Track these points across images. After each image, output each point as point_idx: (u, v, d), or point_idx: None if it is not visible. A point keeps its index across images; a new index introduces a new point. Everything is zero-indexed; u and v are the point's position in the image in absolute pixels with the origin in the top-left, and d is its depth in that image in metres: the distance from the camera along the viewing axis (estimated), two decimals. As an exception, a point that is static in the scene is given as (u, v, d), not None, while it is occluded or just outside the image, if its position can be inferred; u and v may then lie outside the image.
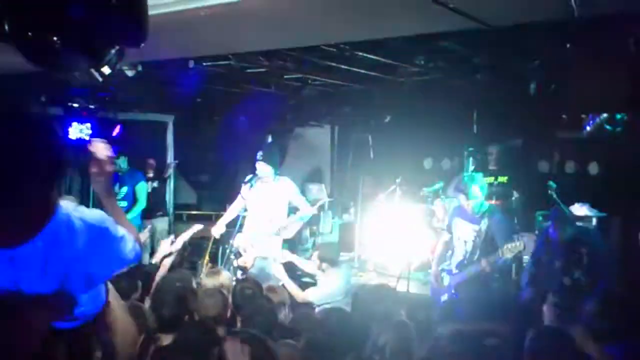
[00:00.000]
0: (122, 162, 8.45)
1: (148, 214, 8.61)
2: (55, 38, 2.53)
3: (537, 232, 7.15)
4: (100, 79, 2.84)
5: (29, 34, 2.54)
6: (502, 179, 7.66)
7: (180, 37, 4.89)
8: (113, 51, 2.70)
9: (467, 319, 3.97)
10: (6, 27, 2.50)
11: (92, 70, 2.72)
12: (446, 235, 5.74)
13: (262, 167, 6.32)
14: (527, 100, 7.26)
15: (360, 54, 5.62)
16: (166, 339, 3.68)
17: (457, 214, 5.60)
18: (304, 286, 5.90)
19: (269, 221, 6.28)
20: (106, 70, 2.75)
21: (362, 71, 6.27)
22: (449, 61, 5.97)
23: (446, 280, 5.50)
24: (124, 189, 8.37)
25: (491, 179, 7.73)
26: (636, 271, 6.22)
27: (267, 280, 5.55)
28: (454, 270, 5.48)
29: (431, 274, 5.71)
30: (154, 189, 8.93)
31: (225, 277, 4.85)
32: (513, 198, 7.34)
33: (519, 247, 5.08)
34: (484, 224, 5.36)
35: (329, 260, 5.88)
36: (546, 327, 4.29)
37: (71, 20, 2.48)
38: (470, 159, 8.02)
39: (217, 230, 6.48)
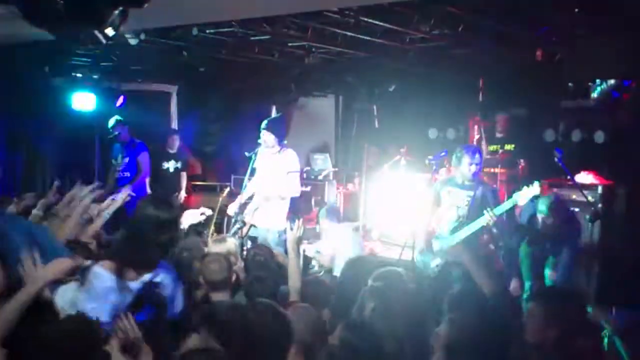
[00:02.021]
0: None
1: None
2: (59, 0, 2.52)
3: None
4: (105, 41, 2.82)
5: (33, -4, 2.53)
6: (509, 147, 7.64)
7: (182, 3, 4.86)
8: (116, 12, 2.69)
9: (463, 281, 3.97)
10: (9, -11, 2.49)
11: (96, 32, 2.70)
12: (433, 205, 5.78)
13: (266, 137, 6.34)
14: (533, 68, 7.21)
15: (365, 19, 5.55)
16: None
17: (449, 183, 5.70)
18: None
19: (271, 191, 6.30)
20: (110, 32, 2.74)
21: (367, 38, 6.20)
22: (455, 28, 5.89)
23: (436, 245, 5.55)
24: (126, 160, 8.31)
25: (497, 147, 7.71)
26: (641, 238, 6.24)
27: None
28: (447, 235, 5.52)
29: (419, 242, 5.72)
30: (176, 169, 8.85)
31: (231, 244, 4.91)
32: (519, 167, 7.32)
33: (535, 190, 5.11)
34: (479, 190, 5.46)
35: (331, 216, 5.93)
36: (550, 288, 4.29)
37: (74, -20, 2.47)
38: (476, 127, 7.97)
39: (232, 209, 6.51)
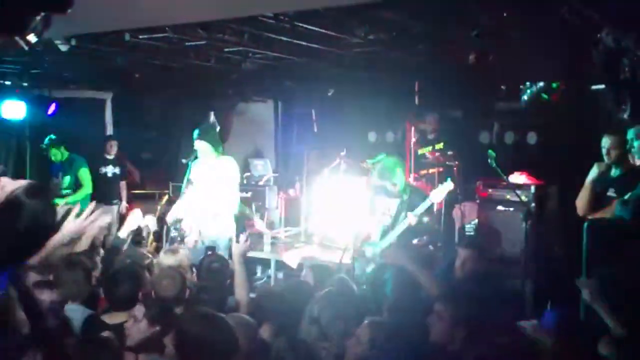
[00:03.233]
0: (60, 152, 8.18)
1: (107, 201, 8.35)
2: (-25, 4, 2.41)
3: (477, 200, 7.29)
4: (27, 48, 2.72)
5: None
6: (439, 145, 7.80)
7: (114, 8, 4.74)
8: (38, 18, 2.60)
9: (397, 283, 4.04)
10: None
11: (17, 38, 2.60)
12: (367, 215, 6.02)
13: (200, 146, 6.24)
14: (466, 71, 7.37)
15: (300, 25, 5.55)
16: (118, 317, 3.64)
17: (379, 192, 5.95)
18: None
19: (212, 201, 6.20)
20: (32, 38, 2.64)
21: (303, 43, 6.20)
22: (389, 32, 5.96)
23: (369, 252, 5.70)
24: (67, 179, 8.13)
25: (429, 148, 7.86)
26: (572, 237, 6.44)
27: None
28: (378, 241, 5.71)
29: (350, 252, 5.90)
30: (114, 174, 8.66)
31: (183, 255, 4.79)
32: (454, 167, 7.46)
33: (449, 187, 5.38)
34: (406, 195, 5.74)
35: None
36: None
37: (-9, -16, 2.37)
38: (413, 130, 8.08)
39: (170, 217, 6.41)
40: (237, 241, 4.16)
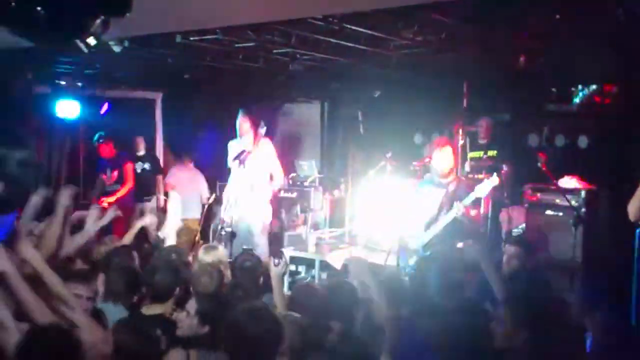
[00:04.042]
0: (108, 149, 8.44)
1: (138, 197, 8.58)
2: (39, 8, 2.51)
3: (525, 204, 7.19)
4: (86, 50, 2.82)
5: (12, 4, 2.51)
6: (492, 152, 7.70)
7: (166, 11, 4.85)
8: (98, 21, 2.68)
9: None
10: (-12, -1, 2.48)
11: (78, 41, 2.69)
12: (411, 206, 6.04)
13: (242, 122, 6.47)
14: (516, 74, 7.27)
15: (348, 26, 5.58)
16: (156, 309, 3.73)
17: (426, 183, 6.05)
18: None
19: (250, 186, 6.36)
20: (91, 41, 2.74)
21: (350, 44, 6.22)
22: (438, 34, 5.93)
23: (413, 244, 5.65)
24: (114, 175, 8.38)
25: (480, 153, 7.76)
26: (623, 243, 6.29)
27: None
28: (422, 232, 5.64)
29: (394, 243, 5.86)
30: (144, 170, 8.87)
31: (221, 253, 4.92)
32: (502, 172, 7.36)
33: (494, 181, 5.34)
34: (452, 186, 5.77)
35: None
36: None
37: (55, -11, 2.46)
38: (461, 132, 8.01)
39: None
40: (276, 264, 4.21)
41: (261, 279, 4.38)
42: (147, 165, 8.90)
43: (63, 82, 8.67)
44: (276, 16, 5.25)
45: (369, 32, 5.79)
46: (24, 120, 8.39)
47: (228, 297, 3.91)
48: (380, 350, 3.08)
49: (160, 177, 9.05)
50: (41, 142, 8.94)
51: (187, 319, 3.36)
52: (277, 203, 7.34)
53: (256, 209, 6.41)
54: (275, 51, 6.83)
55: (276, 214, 8.18)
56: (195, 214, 8.13)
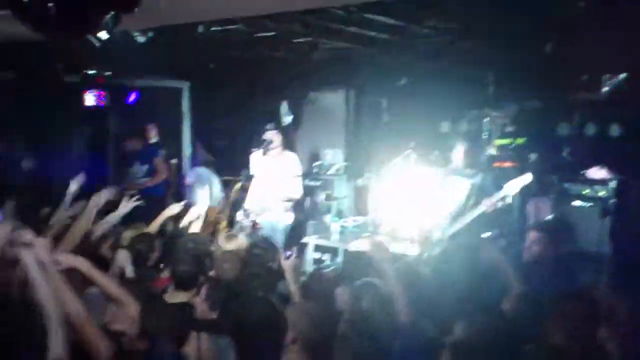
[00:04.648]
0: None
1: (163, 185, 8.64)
2: (50, 4, 2.54)
3: (553, 195, 7.07)
4: (98, 44, 2.85)
5: (25, 0, 2.55)
6: (520, 140, 7.59)
7: (188, 2, 4.88)
8: (108, 16, 2.71)
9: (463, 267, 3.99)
10: (3, -6, 2.52)
11: (89, 36, 2.73)
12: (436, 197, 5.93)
13: (272, 137, 6.53)
14: (545, 61, 7.13)
15: (368, 16, 5.54)
16: (180, 297, 3.81)
17: (451, 172, 5.86)
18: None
19: (274, 192, 6.43)
20: (103, 35, 2.77)
21: (371, 33, 6.18)
22: (461, 22, 5.85)
23: (436, 235, 5.59)
24: (144, 166, 8.41)
25: (508, 140, 7.66)
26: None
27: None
28: (446, 224, 5.57)
29: (418, 233, 5.82)
30: None
31: (242, 241, 4.98)
32: (530, 160, 7.27)
33: (526, 179, 5.22)
34: (479, 178, 5.61)
35: None
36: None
37: (64, -15, 2.49)
38: (488, 120, 7.91)
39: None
40: (287, 257, 4.23)
41: (274, 264, 4.40)
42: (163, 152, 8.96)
43: (92, 72, 8.78)
44: (296, 6, 5.24)
45: (389, 20, 5.73)
46: (54, 110, 8.53)
47: (238, 284, 3.96)
48: (393, 338, 3.09)
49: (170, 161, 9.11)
50: (70, 130, 9.07)
51: (200, 304, 3.42)
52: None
53: (279, 211, 6.50)
54: (296, 40, 6.83)
55: (300, 201, 8.21)
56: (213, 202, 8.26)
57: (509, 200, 5.28)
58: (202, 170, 9.30)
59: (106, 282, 3.39)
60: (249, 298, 2.97)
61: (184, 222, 5.53)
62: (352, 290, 3.44)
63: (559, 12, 5.72)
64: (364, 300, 3.23)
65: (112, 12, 2.66)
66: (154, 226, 5.30)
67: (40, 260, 2.76)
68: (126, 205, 5.26)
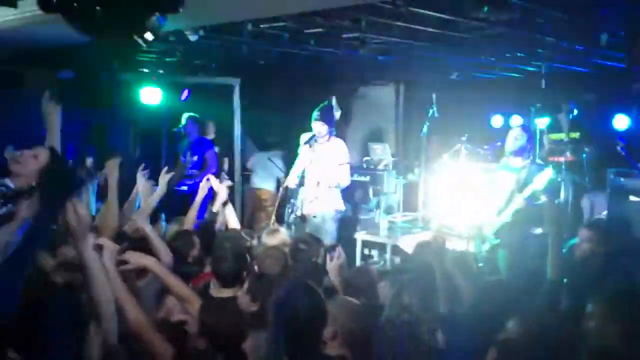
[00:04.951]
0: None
1: None
2: (97, 7, 2.64)
3: (608, 190, 6.89)
4: (145, 45, 2.93)
5: (74, 4, 2.66)
6: (574, 134, 7.44)
7: (234, 0, 4.96)
8: (154, 18, 2.79)
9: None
10: (54, -1, 2.63)
11: (136, 37, 2.82)
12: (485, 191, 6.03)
13: (319, 127, 6.57)
14: (600, 53, 6.94)
15: (415, 10, 5.50)
16: (225, 292, 3.87)
17: (502, 167, 5.88)
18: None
19: (321, 181, 6.46)
20: (149, 36, 2.85)
21: (420, 27, 6.14)
22: (512, 14, 5.73)
23: (487, 230, 5.57)
24: (194, 158, 8.59)
25: (562, 135, 7.51)
26: None
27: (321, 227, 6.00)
28: (494, 218, 5.58)
29: (470, 229, 5.81)
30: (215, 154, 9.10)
31: (284, 235, 5.00)
32: (584, 155, 7.11)
33: (548, 175, 5.19)
34: (524, 171, 5.57)
35: None
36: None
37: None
38: (540, 115, 7.76)
39: (291, 181, 6.71)
40: (331, 259, 4.24)
41: (319, 259, 4.43)
42: (216, 149, 9.13)
43: (146, 70, 9.00)
44: (343, 2, 5.25)
45: (437, 14, 5.67)
46: (110, 107, 8.76)
47: (281, 278, 3.99)
48: (433, 333, 3.08)
49: (225, 158, 9.27)
50: (126, 127, 9.33)
51: (242, 297, 3.47)
52: (350, 187, 7.37)
53: (326, 200, 6.53)
54: (344, 36, 6.83)
55: (349, 197, 8.23)
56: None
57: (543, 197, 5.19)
58: (261, 155, 9.50)
59: (175, 281, 3.44)
60: (292, 290, 2.99)
61: (215, 207, 5.51)
62: (393, 285, 3.44)
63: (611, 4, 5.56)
64: (405, 295, 3.23)
65: (157, 14, 2.73)
66: (191, 215, 5.35)
67: (107, 265, 2.81)
68: (163, 181, 5.13)
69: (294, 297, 2.78)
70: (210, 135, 9.14)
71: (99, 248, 2.76)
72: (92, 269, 2.54)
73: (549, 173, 5.30)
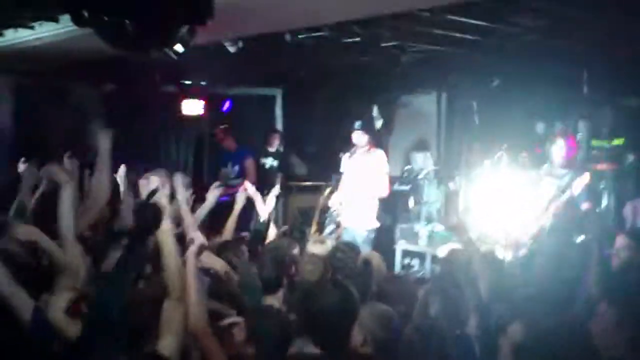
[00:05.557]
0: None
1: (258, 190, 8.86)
2: (127, 21, 2.73)
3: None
4: (175, 57, 3.02)
5: (105, 18, 2.76)
6: (618, 141, 7.26)
7: (274, 11, 5.04)
8: (184, 30, 2.87)
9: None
10: (85, 13, 2.74)
11: (166, 50, 2.90)
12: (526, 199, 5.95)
13: (360, 137, 6.55)
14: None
15: (453, 17, 5.48)
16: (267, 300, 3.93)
17: (545, 173, 5.92)
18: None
19: (360, 191, 6.45)
20: (179, 48, 2.93)
21: (458, 35, 6.11)
22: (549, 19, 5.67)
23: (524, 237, 5.49)
24: (235, 169, 8.71)
25: (605, 142, 7.34)
26: None
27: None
28: (532, 225, 5.57)
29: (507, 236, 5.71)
30: (272, 167, 9.17)
31: (329, 246, 5.04)
32: (628, 162, 6.93)
33: (585, 179, 5.10)
34: (566, 179, 5.60)
35: None
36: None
37: (141, 3, 2.67)
38: (582, 121, 7.60)
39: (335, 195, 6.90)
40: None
41: (355, 269, 4.45)
42: (275, 163, 9.20)
43: (189, 82, 9.19)
44: (381, 10, 5.27)
45: (474, 21, 5.64)
46: (153, 119, 8.98)
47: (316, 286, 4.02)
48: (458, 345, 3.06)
49: (281, 174, 9.31)
50: (169, 139, 9.52)
51: (279, 306, 3.51)
52: (391, 196, 7.35)
53: (360, 214, 6.53)
54: (383, 45, 6.84)
55: (390, 207, 8.21)
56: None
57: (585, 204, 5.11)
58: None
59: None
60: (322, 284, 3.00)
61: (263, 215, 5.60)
62: (422, 295, 3.43)
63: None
64: (433, 305, 3.22)
65: (187, 26, 2.81)
66: (229, 225, 5.44)
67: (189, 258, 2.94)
68: (213, 195, 5.30)
69: (323, 290, 2.81)
70: (273, 148, 9.20)
71: (190, 241, 2.94)
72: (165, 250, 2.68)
73: (586, 178, 5.22)
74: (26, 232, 3.32)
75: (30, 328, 2.77)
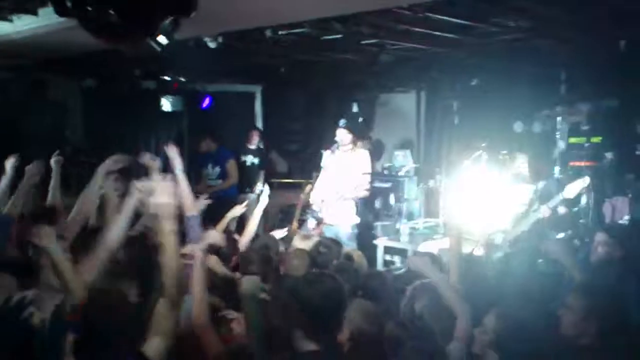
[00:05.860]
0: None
1: (242, 189, 8.80)
2: (111, 11, 2.70)
3: (629, 195, 6.79)
4: (159, 49, 2.99)
5: (88, 8, 2.72)
6: (595, 139, 7.35)
7: (255, 6, 5.01)
8: (167, 21, 2.85)
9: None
10: (68, 3, 2.70)
11: (149, 40, 2.87)
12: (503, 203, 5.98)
13: (343, 135, 6.56)
14: (621, 57, 6.86)
15: (434, 15, 5.50)
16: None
17: (517, 179, 6.03)
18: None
19: (342, 189, 6.46)
20: (163, 40, 2.91)
21: (438, 33, 6.13)
22: (530, 20, 5.71)
23: (498, 239, 5.53)
24: (216, 169, 8.58)
25: (583, 140, 7.42)
26: None
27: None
28: (508, 228, 5.59)
29: (482, 237, 5.75)
30: (252, 164, 9.11)
31: (315, 241, 5.08)
32: (605, 160, 7.02)
33: (583, 184, 5.14)
34: (543, 184, 5.69)
35: None
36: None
37: (125, -7, 2.64)
38: (559, 120, 7.69)
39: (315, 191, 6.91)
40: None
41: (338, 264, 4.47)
42: (256, 160, 9.11)
43: (167, 78, 9.11)
44: (361, 7, 5.27)
45: (455, 20, 5.67)
46: (132, 115, 8.89)
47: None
48: (447, 338, 3.07)
49: (262, 172, 9.26)
50: (148, 135, 9.43)
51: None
52: (371, 193, 7.37)
53: (341, 212, 6.54)
54: (363, 42, 6.85)
55: (370, 204, 8.23)
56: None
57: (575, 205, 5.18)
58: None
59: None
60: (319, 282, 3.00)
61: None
62: (407, 291, 3.45)
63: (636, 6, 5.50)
64: (417, 302, 3.24)
65: (171, 18, 2.79)
66: (219, 228, 5.44)
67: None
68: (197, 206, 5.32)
69: (313, 279, 2.80)
70: (253, 145, 9.11)
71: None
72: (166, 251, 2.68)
73: (584, 182, 5.23)
74: None
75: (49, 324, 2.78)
